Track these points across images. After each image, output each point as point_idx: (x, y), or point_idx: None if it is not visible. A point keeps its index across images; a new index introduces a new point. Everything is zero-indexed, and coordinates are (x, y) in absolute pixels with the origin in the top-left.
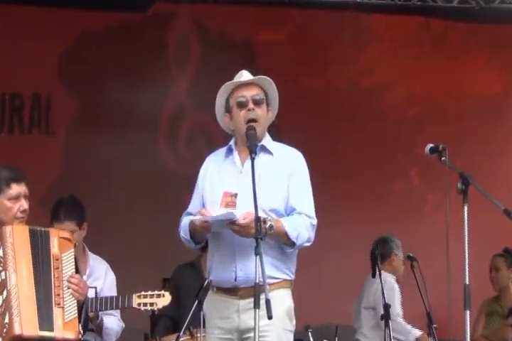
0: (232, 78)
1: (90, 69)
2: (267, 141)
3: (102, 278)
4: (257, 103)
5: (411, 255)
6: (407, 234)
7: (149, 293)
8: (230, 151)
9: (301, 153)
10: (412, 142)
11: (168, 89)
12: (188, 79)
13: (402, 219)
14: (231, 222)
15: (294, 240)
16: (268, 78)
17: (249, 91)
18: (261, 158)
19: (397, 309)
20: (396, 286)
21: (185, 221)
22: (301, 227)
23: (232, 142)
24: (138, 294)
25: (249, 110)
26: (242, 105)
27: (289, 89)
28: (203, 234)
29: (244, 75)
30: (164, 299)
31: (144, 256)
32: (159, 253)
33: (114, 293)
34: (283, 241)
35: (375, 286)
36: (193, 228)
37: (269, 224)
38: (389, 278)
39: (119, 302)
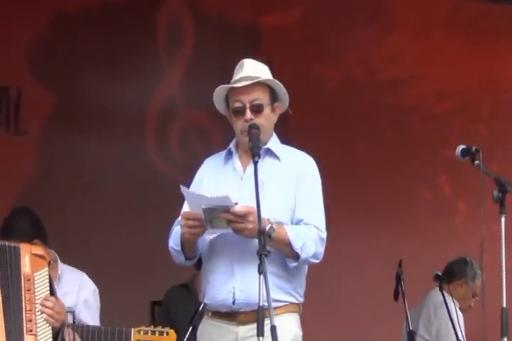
0: (232, 70)
1: (66, 58)
2: (274, 143)
3: (74, 292)
4: (256, 110)
5: (439, 274)
6: (434, 248)
7: (151, 328)
8: (229, 155)
9: (312, 155)
10: (441, 143)
11: (158, 82)
12: (180, 70)
13: (429, 232)
14: (226, 211)
15: (298, 251)
16: (271, 79)
17: (248, 95)
18: (265, 163)
19: None
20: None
21: (176, 229)
22: (308, 238)
23: (232, 144)
24: (137, 328)
25: (246, 121)
26: (238, 113)
27: (298, 81)
28: (192, 243)
29: (246, 68)
30: (168, 338)
31: (129, 275)
32: (147, 272)
33: (96, 311)
34: (285, 253)
35: (440, 314)
36: (183, 237)
37: (269, 226)
38: (460, 313)
39: (114, 336)
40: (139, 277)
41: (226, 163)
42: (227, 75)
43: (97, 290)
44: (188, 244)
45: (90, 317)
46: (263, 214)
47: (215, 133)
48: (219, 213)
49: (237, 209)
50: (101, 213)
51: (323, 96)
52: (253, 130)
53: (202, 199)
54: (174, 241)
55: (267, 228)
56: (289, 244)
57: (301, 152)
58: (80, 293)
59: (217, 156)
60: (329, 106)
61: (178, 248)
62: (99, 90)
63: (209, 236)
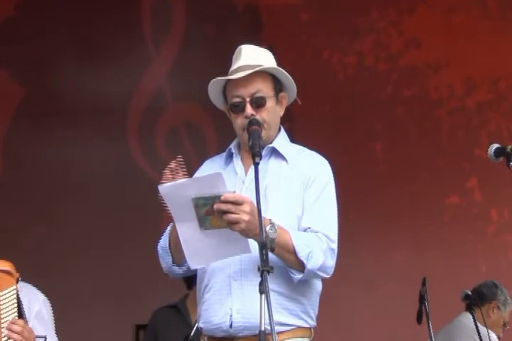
0: (229, 58)
1: (37, 45)
2: (281, 141)
3: (24, 307)
4: (258, 104)
5: (469, 293)
6: (463, 264)
7: None
8: (230, 157)
9: (322, 156)
10: (471, 141)
11: (143, 73)
12: (169, 58)
13: (457, 244)
14: (217, 201)
15: (304, 260)
16: (273, 67)
17: (247, 87)
18: (271, 165)
19: None
20: None
21: (168, 230)
22: (316, 247)
23: (233, 145)
24: None
25: (246, 117)
26: (237, 109)
27: (305, 69)
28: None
29: (244, 56)
30: None
31: (110, 296)
32: (131, 293)
33: (50, 322)
34: (288, 262)
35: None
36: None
37: (269, 226)
38: (493, 335)
39: None
40: (121, 297)
41: (227, 166)
42: (223, 64)
43: (47, 300)
44: (174, 240)
45: (44, 329)
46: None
47: (208, 130)
48: (212, 205)
49: (231, 195)
50: (76, 223)
51: (333, 88)
52: (253, 126)
53: (187, 186)
54: (163, 239)
55: (267, 228)
56: (293, 251)
57: (313, 152)
58: (30, 307)
59: (219, 158)
60: (340, 99)
61: (165, 244)
62: (75, 81)
63: (199, 265)
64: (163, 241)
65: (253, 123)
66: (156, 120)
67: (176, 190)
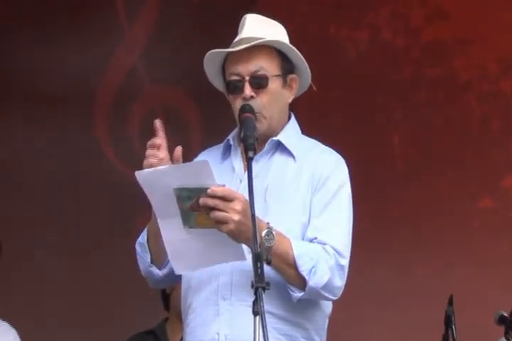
0: (218, 32)
1: None
2: (289, 134)
3: None
4: (258, 85)
5: (505, 315)
6: (497, 279)
7: None
8: (228, 149)
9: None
10: (507, 131)
11: (113, 49)
12: (144, 31)
13: (489, 256)
14: (202, 195)
15: (305, 275)
16: (279, 40)
17: (247, 63)
18: (274, 162)
19: None
20: None
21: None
22: (321, 261)
23: (231, 135)
24: None
25: (244, 99)
26: (234, 89)
27: (308, 46)
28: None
29: (247, 27)
30: None
31: (79, 320)
32: (101, 315)
33: None
34: (286, 276)
35: None
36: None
37: (266, 231)
38: None
39: None
40: (88, 321)
41: (224, 160)
42: (210, 38)
43: (17, 336)
44: (153, 232)
45: None
46: None
47: (192, 117)
48: (197, 199)
49: (218, 189)
50: (31, 234)
51: (342, 69)
52: (245, 114)
53: (168, 174)
54: (142, 235)
55: (263, 233)
56: (293, 264)
57: (328, 149)
58: None
59: (216, 150)
60: (350, 82)
61: (144, 239)
62: (32, 59)
63: (184, 271)
64: (142, 237)
65: (245, 110)
66: (128, 104)
67: (156, 177)
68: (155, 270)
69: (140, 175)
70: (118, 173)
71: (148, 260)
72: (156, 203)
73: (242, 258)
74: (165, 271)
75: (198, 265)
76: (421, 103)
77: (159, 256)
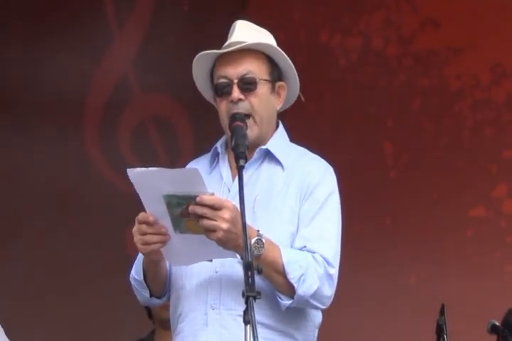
0: (209, 38)
1: None
2: (277, 141)
3: None
4: (246, 88)
5: (497, 324)
6: (490, 287)
7: None
8: (216, 158)
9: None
10: (500, 140)
11: (102, 56)
12: (135, 38)
13: (482, 264)
14: (192, 202)
15: (294, 283)
16: (268, 44)
17: (235, 67)
18: (263, 171)
19: None
20: None
21: (140, 255)
22: (310, 269)
23: (219, 143)
24: None
25: (232, 102)
26: (222, 92)
27: (298, 54)
28: (157, 269)
29: (237, 32)
30: None
31: (63, 328)
32: (92, 329)
33: None
34: (275, 284)
35: None
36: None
37: (255, 238)
38: None
39: None
40: (77, 332)
41: (213, 169)
42: (201, 46)
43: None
44: (151, 270)
45: None
46: None
47: (183, 127)
48: (187, 206)
49: (206, 197)
50: (20, 242)
51: (333, 76)
52: (236, 122)
53: (158, 177)
54: (136, 268)
55: (253, 240)
56: (282, 271)
57: (316, 157)
58: None
59: (204, 159)
60: (341, 90)
61: (140, 277)
62: (18, 66)
63: (176, 264)
64: (136, 273)
65: (236, 118)
66: (118, 114)
67: (147, 178)
68: (155, 300)
69: (132, 172)
70: (108, 184)
71: (148, 295)
72: (146, 202)
73: (233, 255)
74: (165, 298)
75: (192, 260)
76: (413, 111)
77: (158, 289)
